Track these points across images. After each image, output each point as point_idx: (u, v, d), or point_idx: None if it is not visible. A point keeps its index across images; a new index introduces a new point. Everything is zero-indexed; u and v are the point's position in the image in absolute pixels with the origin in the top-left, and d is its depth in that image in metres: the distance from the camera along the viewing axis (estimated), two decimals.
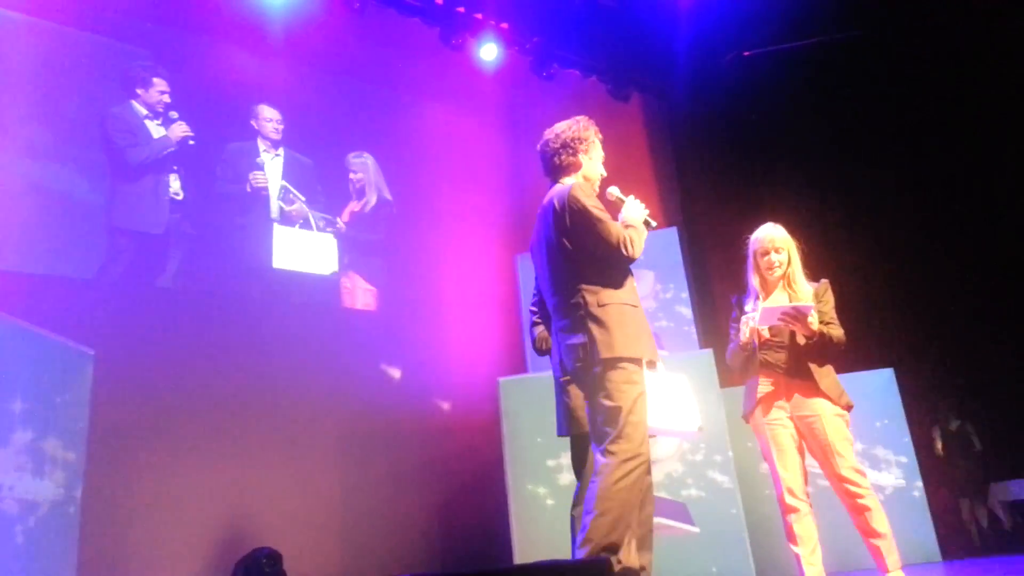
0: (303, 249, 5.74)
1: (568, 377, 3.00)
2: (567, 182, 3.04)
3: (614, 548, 2.69)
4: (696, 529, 4.82)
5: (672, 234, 5.91)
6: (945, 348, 6.40)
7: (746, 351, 3.34)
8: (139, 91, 5.29)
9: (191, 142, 5.38)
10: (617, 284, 2.90)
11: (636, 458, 2.75)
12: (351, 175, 6.19)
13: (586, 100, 7.39)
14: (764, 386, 3.33)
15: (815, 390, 3.22)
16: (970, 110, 6.43)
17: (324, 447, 5.29)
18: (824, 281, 3.41)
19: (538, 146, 3.18)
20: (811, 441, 3.22)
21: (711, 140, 7.76)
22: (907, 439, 5.27)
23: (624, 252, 2.84)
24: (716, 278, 7.43)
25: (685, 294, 5.77)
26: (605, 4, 7.18)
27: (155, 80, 5.35)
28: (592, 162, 3.13)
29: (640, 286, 5.87)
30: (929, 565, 4.88)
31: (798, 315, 3.18)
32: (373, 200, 6.24)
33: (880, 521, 3.10)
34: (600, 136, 3.19)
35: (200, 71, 5.53)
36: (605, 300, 2.86)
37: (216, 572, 4.59)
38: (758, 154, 7.47)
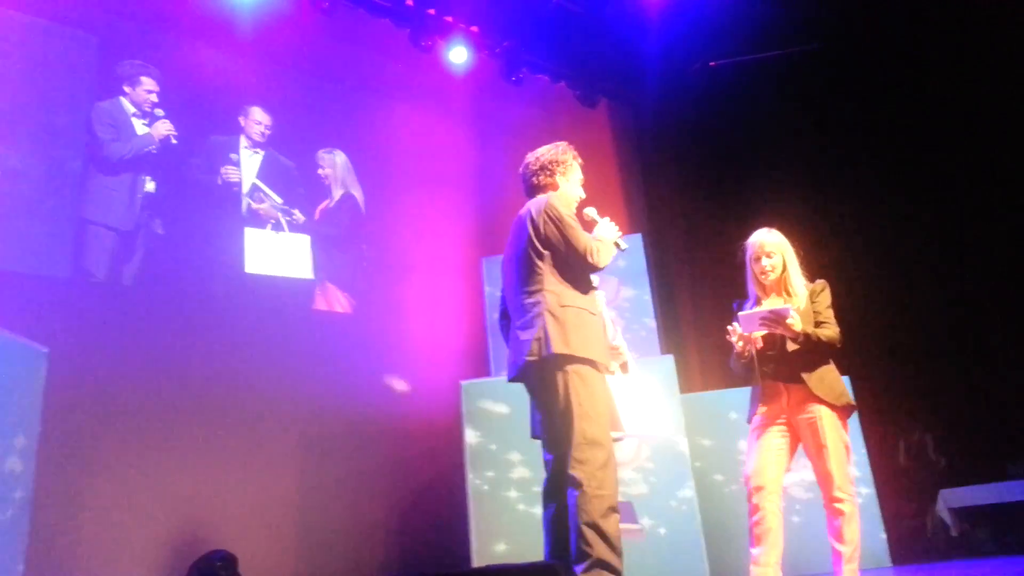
0: (276, 252, 5.69)
1: (517, 377, 3.05)
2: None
3: (613, 568, 2.74)
4: (637, 525, 4.86)
5: (636, 240, 5.96)
6: (901, 355, 6.55)
7: (743, 359, 3.35)
8: (127, 88, 5.29)
9: (174, 140, 5.36)
10: (581, 290, 3.04)
11: (606, 464, 2.84)
12: (319, 171, 6.16)
13: (554, 105, 7.44)
14: (763, 394, 3.33)
15: (811, 395, 3.22)
16: (933, 118, 6.60)
17: (282, 449, 5.25)
18: (820, 281, 3.42)
19: (519, 168, 3.35)
20: (808, 440, 3.23)
21: (678, 147, 7.86)
22: (861, 447, 5.37)
23: (589, 259, 2.98)
24: (680, 284, 7.52)
25: (648, 300, 5.82)
26: (575, 11, 7.23)
27: (143, 79, 5.36)
28: (569, 184, 3.30)
29: (604, 290, 5.91)
30: (879, 570, 4.99)
31: (777, 318, 3.20)
32: (337, 195, 6.21)
33: (851, 530, 3.15)
34: (579, 160, 3.35)
35: (170, 68, 5.45)
36: (566, 302, 2.98)
37: (170, 575, 4.53)
38: (724, 162, 7.57)
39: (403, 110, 6.72)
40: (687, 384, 6.29)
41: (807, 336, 3.21)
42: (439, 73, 6.77)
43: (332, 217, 6.12)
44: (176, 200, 5.31)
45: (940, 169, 6.55)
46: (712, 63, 7.30)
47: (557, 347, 2.87)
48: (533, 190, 3.29)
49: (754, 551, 3.20)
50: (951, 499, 5.92)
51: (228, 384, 5.10)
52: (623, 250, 3.25)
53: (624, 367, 3.37)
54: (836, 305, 3.41)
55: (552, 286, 3.00)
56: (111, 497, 4.48)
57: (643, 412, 3.25)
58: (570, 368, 2.88)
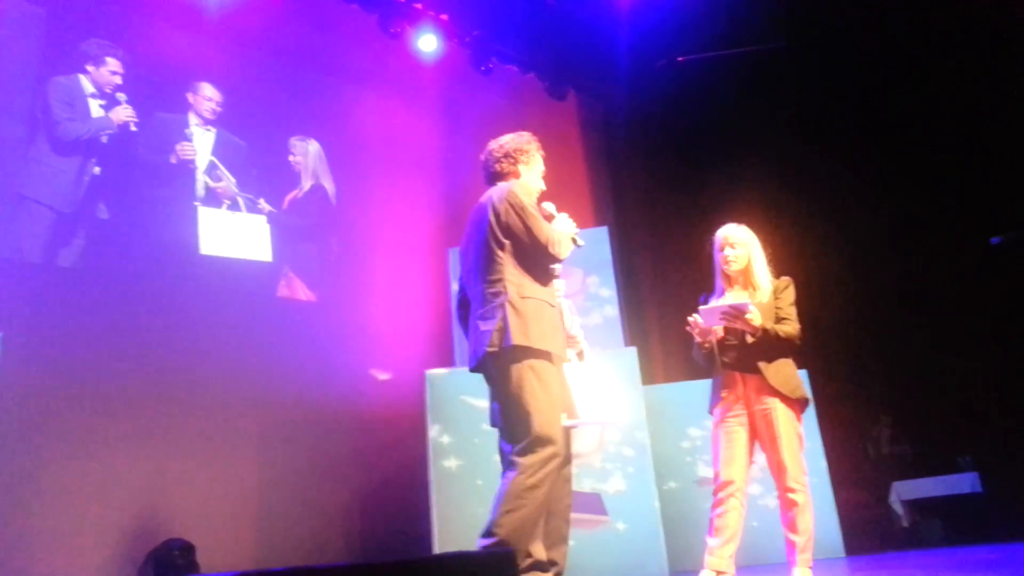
0: (232, 232, 5.55)
1: (477, 368, 3.04)
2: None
3: (517, 550, 2.73)
4: (607, 517, 4.91)
5: (602, 233, 6.00)
6: (857, 350, 6.69)
7: (704, 350, 3.42)
8: (89, 68, 5.11)
9: (133, 128, 5.19)
10: (541, 282, 3.04)
11: (550, 459, 2.83)
12: (290, 157, 6.05)
13: (523, 97, 7.43)
14: (723, 384, 3.41)
15: (767, 386, 3.29)
16: (895, 116, 6.73)
17: (243, 437, 5.18)
18: (785, 278, 3.48)
19: (481, 156, 3.31)
20: (763, 431, 3.30)
21: (645, 142, 7.91)
22: (817, 439, 5.47)
23: (551, 250, 2.98)
24: (644, 277, 7.59)
25: (613, 292, 5.86)
26: (545, 2, 7.22)
27: (108, 59, 5.16)
28: (531, 174, 3.27)
29: (569, 284, 5.93)
30: (833, 560, 5.10)
31: (737, 313, 3.26)
32: (307, 186, 6.11)
33: (804, 520, 3.22)
34: (542, 152, 3.33)
35: (132, 45, 5.31)
36: (527, 293, 2.97)
37: (126, 564, 4.46)
38: (690, 157, 7.65)
39: (370, 97, 6.66)
40: (649, 376, 6.35)
41: (766, 331, 3.28)
42: (408, 61, 6.71)
43: (301, 208, 6.01)
44: (124, 181, 5.13)
45: (903, 166, 6.69)
46: (680, 58, 7.34)
47: (517, 339, 2.86)
48: (494, 177, 3.25)
49: (712, 541, 3.27)
50: (903, 491, 6.07)
51: (187, 370, 5.01)
52: (580, 247, 3.25)
53: (580, 355, 3.40)
54: (797, 300, 3.47)
55: (513, 276, 2.98)
56: (66, 484, 4.39)
57: (603, 401, 3.26)
58: (526, 362, 2.87)
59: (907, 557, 4.93)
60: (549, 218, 3.21)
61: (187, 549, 4.42)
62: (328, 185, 6.23)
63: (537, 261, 3.03)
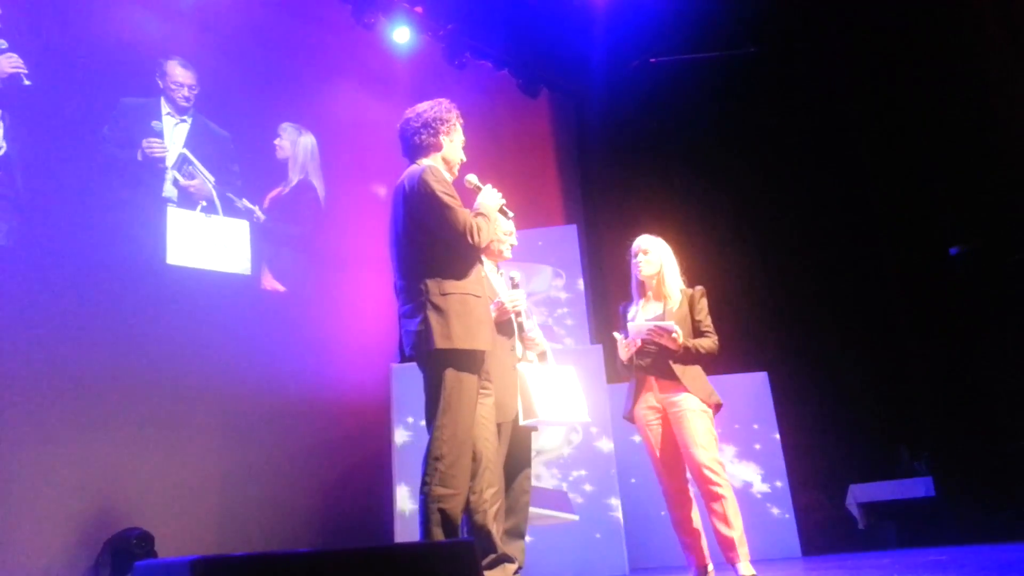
0: (206, 240, 5.15)
1: (405, 361, 3.01)
2: (424, 163, 3.01)
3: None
4: (576, 516, 4.93)
5: (571, 231, 6.02)
6: (815, 354, 6.79)
7: (627, 361, 3.56)
8: None
9: (26, 81, 4.32)
10: (462, 273, 2.88)
11: (457, 462, 2.76)
12: (276, 140, 5.83)
13: (496, 92, 7.42)
14: (638, 387, 3.52)
15: (680, 387, 3.40)
16: (859, 125, 6.83)
17: (205, 428, 5.10)
18: (698, 288, 3.59)
19: (398, 125, 3.15)
20: (678, 431, 3.39)
21: (616, 142, 7.94)
22: (777, 440, 5.55)
23: (469, 239, 2.83)
24: (612, 276, 7.62)
25: (580, 290, 5.89)
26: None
27: None
28: (452, 145, 3.11)
29: (537, 281, 5.94)
30: (790, 560, 5.18)
31: (663, 332, 3.39)
32: (294, 181, 5.88)
33: (734, 511, 3.26)
34: (461, 120, 3.17)
35: (93, 24, 5.17)
36: (448, 289, 2.83)
37: (82, 552, 4.38)
38: (660, 158, 7.69)
39: (342, 86, 6.58)
40: (614, 374, 6.37)
41: (687, 349, 3.41)
42: (381, 52, 6.66)
43: (284, 206, 5.76)
44: (84, 177, 4.80)
45: (869, 173, 6.78)
46: (653, 60, 7.39)
47: (439, 342, 2.77)
48: (414, 150, 3.09)
49: (684, 539, 3.35)
50: (859, 494, 6.17)
51: (147, 358, 4.92)
52: (510, 218, 3.21)
53: (542, 356, 3.40)
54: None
55: (432, 272, 2.84)
56: (23, 471, 4.29)
57: (567, 399, 3.26)
58: (449, 364, 2.79)
59: (862, 558, 5.02)
60: (476, 190, 3.11)
61: (145, 538, 4.36)
62: (318, 184, 6.04)
63: (456, 251, 2.88)
